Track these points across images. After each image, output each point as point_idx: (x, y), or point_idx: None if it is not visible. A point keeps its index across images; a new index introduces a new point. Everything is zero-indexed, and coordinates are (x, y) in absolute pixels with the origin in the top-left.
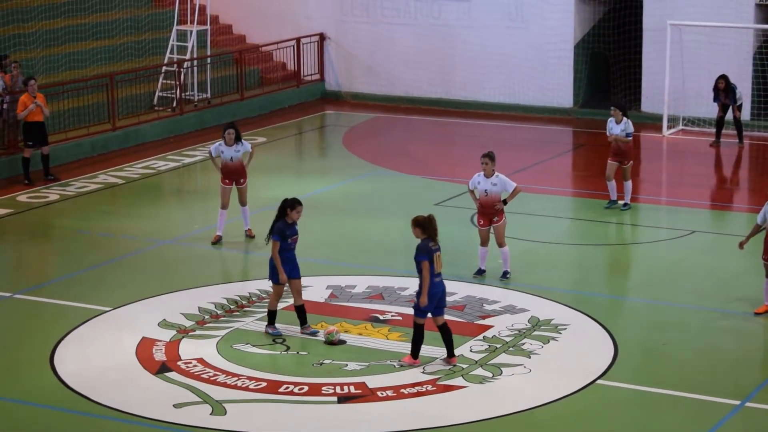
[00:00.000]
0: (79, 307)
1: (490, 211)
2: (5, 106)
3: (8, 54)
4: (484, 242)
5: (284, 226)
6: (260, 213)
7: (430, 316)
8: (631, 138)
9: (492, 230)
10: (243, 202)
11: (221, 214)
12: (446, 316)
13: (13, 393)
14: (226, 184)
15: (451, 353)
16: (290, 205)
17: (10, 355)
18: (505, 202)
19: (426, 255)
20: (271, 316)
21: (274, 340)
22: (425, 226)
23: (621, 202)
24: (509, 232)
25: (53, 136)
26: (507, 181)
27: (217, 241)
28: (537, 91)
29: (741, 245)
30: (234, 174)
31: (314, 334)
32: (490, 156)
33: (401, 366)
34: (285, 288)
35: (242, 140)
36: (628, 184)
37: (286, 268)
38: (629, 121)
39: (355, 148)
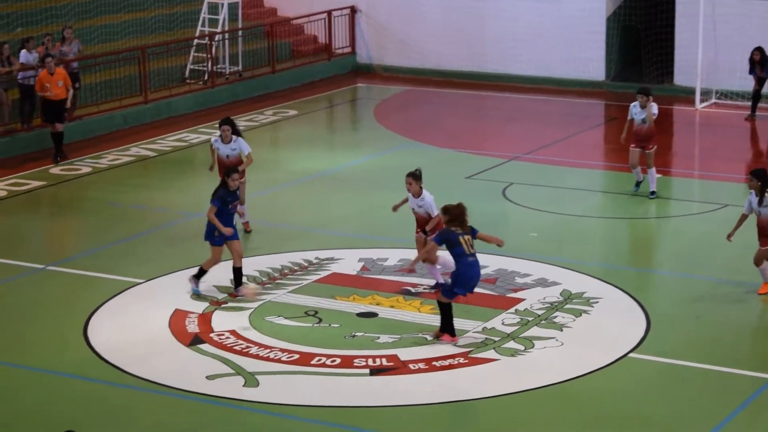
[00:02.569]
0: (112, 279)
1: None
2: (30, 81)
3: (70, 24)
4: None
5: (225, 193)
6: (293, 186)
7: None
8: (656, 116)
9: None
10: (241, 201)
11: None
12: (478, 289)
13: (47, 364)
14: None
15: (444, 328)
16: (227, 174)
17: (44, 326)
18: (424, 232)
19: (438, 239)
20: (201, 273)
21: (305, 312)
22: (451, 213)
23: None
24: (538, 204)
25: (85, 108)
26: (432, 207)
27: (248, 230)
28: (569, 65)
29: (729, 237)
30: None
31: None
32: (413, 175)
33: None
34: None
35: (240, 137)
36: (653, 171)
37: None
38: (655, 104)
39: (387, 121)
